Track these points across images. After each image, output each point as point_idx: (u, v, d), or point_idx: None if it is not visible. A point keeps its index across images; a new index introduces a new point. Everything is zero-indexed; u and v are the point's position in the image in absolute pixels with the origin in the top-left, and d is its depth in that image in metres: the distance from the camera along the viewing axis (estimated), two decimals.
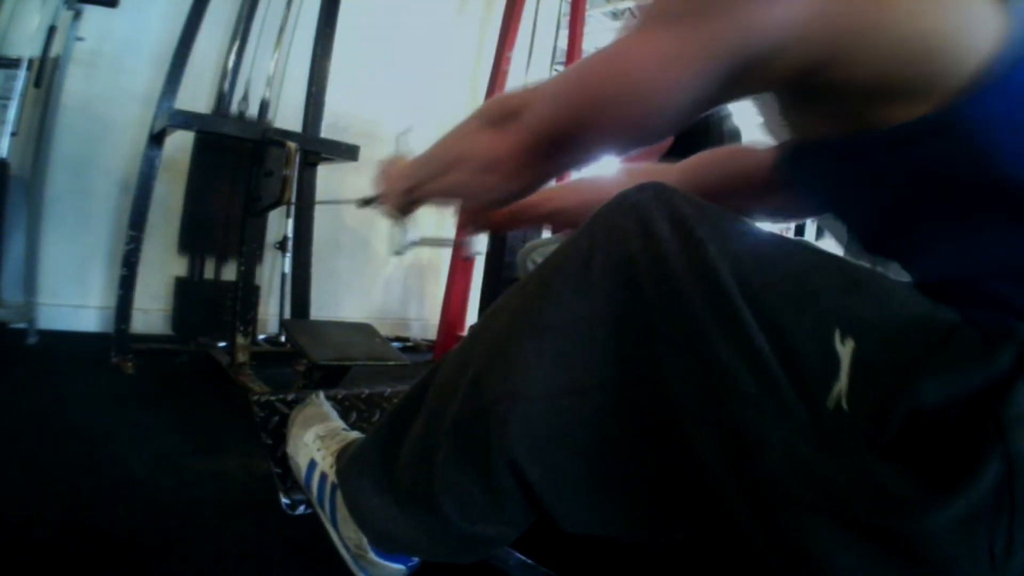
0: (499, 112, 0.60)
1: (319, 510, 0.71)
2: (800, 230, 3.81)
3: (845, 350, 0.43)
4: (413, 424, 0.61)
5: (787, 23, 0.44)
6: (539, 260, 1.96)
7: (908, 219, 0.50)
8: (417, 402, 0.62)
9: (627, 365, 0.48)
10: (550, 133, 0.54)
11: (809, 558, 0.41)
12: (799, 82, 0.48)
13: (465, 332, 2.56)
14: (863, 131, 0.48)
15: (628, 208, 0.50)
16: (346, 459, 0.69)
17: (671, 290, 0.46)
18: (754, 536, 0.43)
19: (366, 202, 0.92)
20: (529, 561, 0.75)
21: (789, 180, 0.63)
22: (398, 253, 0.89)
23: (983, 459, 0.39)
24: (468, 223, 0.93)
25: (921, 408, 0.41)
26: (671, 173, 0.78)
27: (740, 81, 0.48)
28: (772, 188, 0.67)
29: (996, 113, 0.43)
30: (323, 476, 0.71)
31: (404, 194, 0.75)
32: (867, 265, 0.48)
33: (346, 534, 0.66)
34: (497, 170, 0.59)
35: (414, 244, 0.90)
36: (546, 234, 2.63)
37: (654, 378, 0.47)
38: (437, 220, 0.95)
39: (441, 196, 0.70)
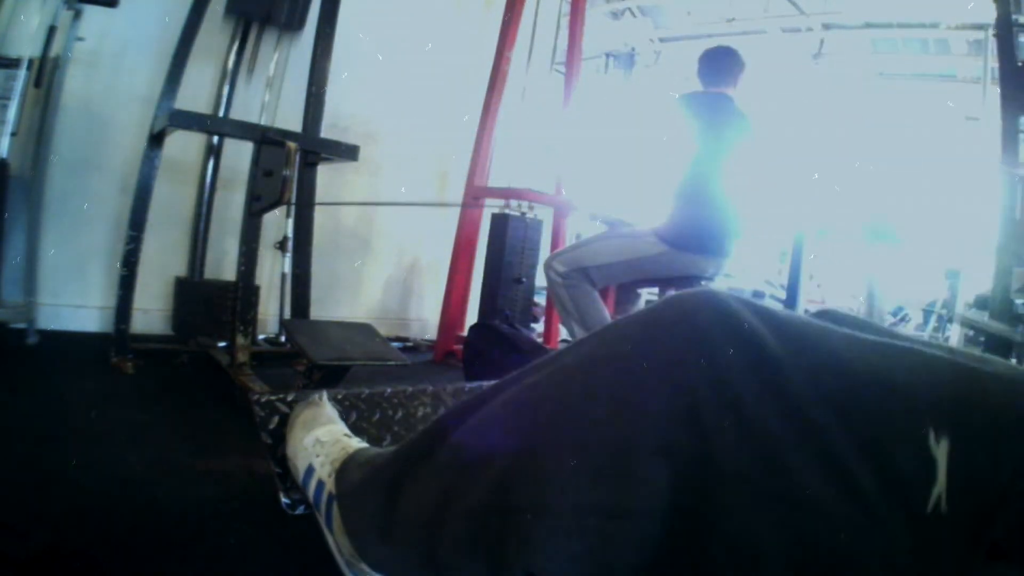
0: None
1: (316, 512, 0.71)
2: None
3: (940, 450, 0.40)
4: (419, 478, 0.59)
5: None
6: (560, 268, 1.94)
7: None
8: (426, 453, 0.60)
9: (677, 496, 0.44)
10: None
11: None
12: None
13: (465, 332, 2.55)
14: None
15: (684, 326, 0.46)
16: (347, 485, 0.68)
17: (740, 421, 0.42)
18: None
19: None
20: None
21: None
22: None
23: None
24: None
25: None
26: None
27: None
28: None
29: None
30: (320, 483, 0.71)
31: None
32: (956, 352, 0.44)
33: (341, 541, 0.66)
34: None
35: None
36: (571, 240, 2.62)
37: (710, 513, 0.43)
38: None
39: None
